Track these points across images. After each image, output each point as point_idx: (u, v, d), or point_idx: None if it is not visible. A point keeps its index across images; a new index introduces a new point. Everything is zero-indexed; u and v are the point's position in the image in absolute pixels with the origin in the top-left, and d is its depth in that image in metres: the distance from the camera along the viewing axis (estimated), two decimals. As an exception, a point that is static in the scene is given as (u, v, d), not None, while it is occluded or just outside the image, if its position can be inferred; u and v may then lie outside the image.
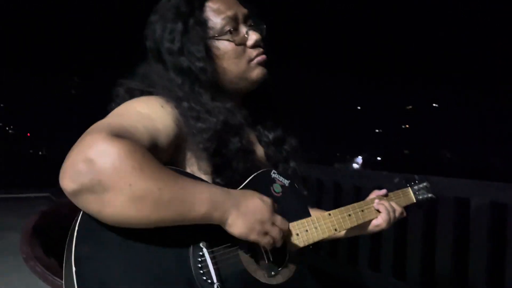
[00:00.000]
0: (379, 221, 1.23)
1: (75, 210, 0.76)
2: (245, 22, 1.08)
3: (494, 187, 2.65)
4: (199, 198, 0.81)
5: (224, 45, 1.05)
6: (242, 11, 1.08)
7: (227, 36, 1.04)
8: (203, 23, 1.03)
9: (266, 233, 0.89)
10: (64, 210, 1.24)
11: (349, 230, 1.23)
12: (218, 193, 0.85)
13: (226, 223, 0.85)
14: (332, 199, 3.64)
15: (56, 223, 1.16)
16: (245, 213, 0.87)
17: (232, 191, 0.89)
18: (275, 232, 0.91)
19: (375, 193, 1.31)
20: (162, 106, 0.96)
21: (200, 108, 0.99)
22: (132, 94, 1.03)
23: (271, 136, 1.19)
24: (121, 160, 0.72)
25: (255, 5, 1.12)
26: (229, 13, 1.05)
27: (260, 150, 1.18)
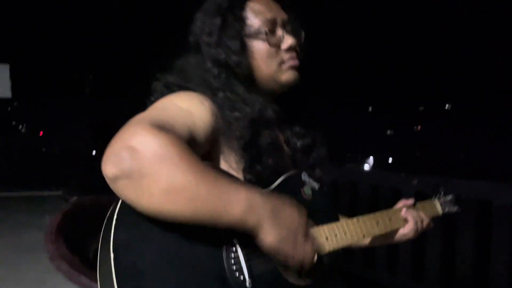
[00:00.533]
0: (406, 230, 1.22)
1: (97, 207, 0.76)
2: (283, 26, 1.10)
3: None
4: (237, 197, 0.79)
5: (258, 44, 1.06)
6: (282, 16, 1.10)
7: (263, 36, 1.06)
8: (241, 20, 1.06)
9: (297, 248, 0.85)
10: (85, 208, 1.24)
11: (374, 239, 1.22)
12: (256, 196, 0.82)
13: (260, 231, 0.81)
14: (348, 200, 3.61)
15: (78, 221, 1.18)
16: (280, 223, 0.83)
17: (270, 196, 0.85)
18: (307, 248, 0.87)
19: (403, 202, 1.30)
20: (201, 103, 0.97)
21: (236, 98, 1.01)
22: (170, 88, 1.04)
23: (299, 143, 1.18)
24: (162, 150, 0.73)
25: (297, 12, 1.15)
26: (268, 15, 1.08)
27: (288, 153, 1.17)
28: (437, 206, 1.39)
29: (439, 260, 2.90)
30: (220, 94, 1.00)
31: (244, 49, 1.05)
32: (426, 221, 1.27)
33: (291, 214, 0.86)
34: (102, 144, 0.81)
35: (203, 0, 1.12)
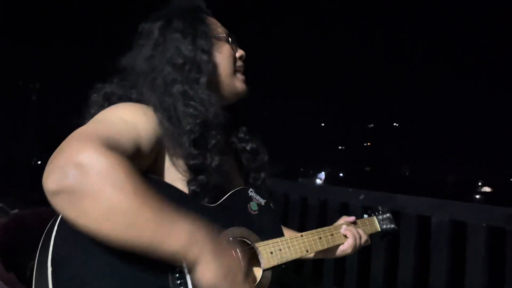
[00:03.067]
0: (345, 247, 1.28)
1: (38, 221, 0.73)
2: (234, 42, 1.19)
3: (453, 206, 2.75)
4: (179, 229, 0.76)
5: (223, 45, 1.15)
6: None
7: (226, 38, 1.16)
8: (207, 23, 1.14)
9: (234, 287, 0.81)
10: (25, 221, 1.18)
11: (317, 253, 1.26)
12: (200, 231, 0.79)
13: (199, 265, 0.78)
14: (298, 214, 3.67)
15: (16, 235, 1.11)
16: (221, 264, 0.79)
17: (214, 234, 0.82)
18: None
19: (344, 219, 1.37)
20: (144, 114, 0.97)
21: (194, 94, 1.03)
22: (109, 100, 1.05)
23: (248, 146, 1.23)
24: (107, 171, 0.72)
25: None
26: (224, 29, 1.18)
27: (233, 159, 1.22)
28: (376, 223, 1.47)
29: (383, 272, 3.00)
30: (178, 87, 1.02)
31: (211, 49, 1.10)
32: (364, 238, 1.34)
33: (231, 259, 0.83)
34: (48, 154, 0.78)
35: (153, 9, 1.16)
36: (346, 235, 1.28)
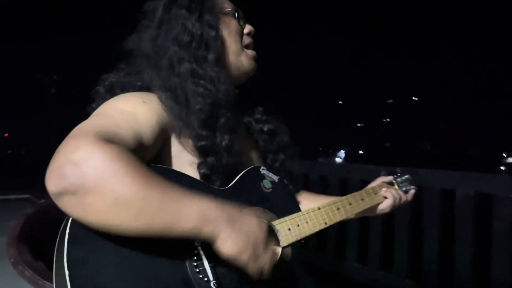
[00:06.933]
0: (384, 206, 1.34)
1: (62, 211, 0.74)
2: (242, 17, 1.16)
3: (478, 178, 2.70)
4: (188, 209, 0.76)
5: (230, 20, 1.12)
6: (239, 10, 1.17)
7: (233, 14, 1.13)
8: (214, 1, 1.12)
9: (256, 258, 0.83)
10: (50, 211, 1.21)
11: (357, 213, 1.29)
12: (211, 207, 0.79)
13: (217, 240, 0.79)
14: (318, 192, 3.66)
15: (43, 225, 1.13)
16: (239, 232, 0.80)
17: (227, 206, 0.82)
18: (266, 259, 0.85)
19: (381, 179, 1.41)
20: (144, 102, 0.94)
21: (203, 73, 1.01)
22: (112, 91, 1.03)
23: (265, 127, 1.21)
24: (105, 164, 0.71)
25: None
26: (231, 4, 1.16)
27: (249, 139, 1.20)
28: (395, 186, 1.45)
29: (407, 249, 2.98)
30: (186, 65, 1.00)
31: (218, 25, 1.08)
32: (403, 198, 1.39)
33: (249, 224, 0.84)
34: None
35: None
36: (386, 196, 1.33)
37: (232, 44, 1.11)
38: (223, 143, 0.99)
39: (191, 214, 0.76)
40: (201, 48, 1.03)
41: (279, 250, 1.00)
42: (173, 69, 1.00)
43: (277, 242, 1.01)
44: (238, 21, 1.13)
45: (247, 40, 1.15)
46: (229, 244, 0.79)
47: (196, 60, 1.02)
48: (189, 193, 0.79)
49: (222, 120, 1.00)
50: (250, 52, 1.15)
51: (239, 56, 1.12)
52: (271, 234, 1.01)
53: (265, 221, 0.90)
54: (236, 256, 0.80)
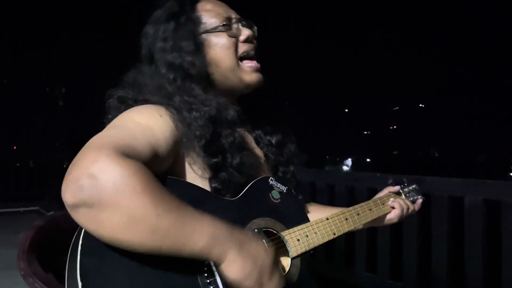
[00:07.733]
0: (391, 216, 1.34)
1: (72, 223, 0.74)
2: (238, 22, 1.13)
3: (486, 185, 2.68)
4: (200, 230, 0.76)
5: (216, 38, 1.09)
6: (234, 13, 1.14)
7: (221, 29, 1.09)
8: (194, 20, 1.08)
9: (261, 286, 0.82)
10: (59, 223, 1.21)
11: (365, 223, 1.28)
12: (221, 229, 0.79)
13: (224, 262, 0.79)
14: (325, 202, 3.65)
15: (52, 237, 1.13)
16: (246, 257, 0.80)
17: (236, 230, 0.82)
18: (271, 286, 0.84)
19: (388, 189, 1.41)
20: (160, 116, 0.95)
21: (193, 100, 1.00)
22: (125, 103, 1.03)
23: (273, 139, 1.21)
24: (123, 180, 0.71)
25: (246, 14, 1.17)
26: (222, 12, 1.11)
27: (258, 153, 1.19)
28: (402, 197, 1.45)
29: (416, 256, 2.96)
30: (177, 99, 1.00)
31: (198, 49, 1.06)
32: (411, 208, 1.38)
33: (257, 250, 0.83)
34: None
35: (150, 13, 1.14)
36: (394, 206, 1.33)
37: (224, 61, 1.08)
38: (234, 163, 0.99)
39: (203, 234, 0.76)
40: (186, 79, 1.04)
41: (288, 261, 1.00)
42: (169, 102, 1.00)
43: (286, 252, 1.01)
44: (230, 32, 1.09)
45: (244, 47, 1.11)
46: (235, 268, 0.79)
47: (184, 92, 1.02)
48: (199, 213, 0.79)
49: (229, 140, 1.00)
50: (247, 66, 1.11)
51: (235, 72, 1.09)
52: (281, 245, 1.01)
53: (272, 248, 0.89)
54: (241, 281, 0.80)
